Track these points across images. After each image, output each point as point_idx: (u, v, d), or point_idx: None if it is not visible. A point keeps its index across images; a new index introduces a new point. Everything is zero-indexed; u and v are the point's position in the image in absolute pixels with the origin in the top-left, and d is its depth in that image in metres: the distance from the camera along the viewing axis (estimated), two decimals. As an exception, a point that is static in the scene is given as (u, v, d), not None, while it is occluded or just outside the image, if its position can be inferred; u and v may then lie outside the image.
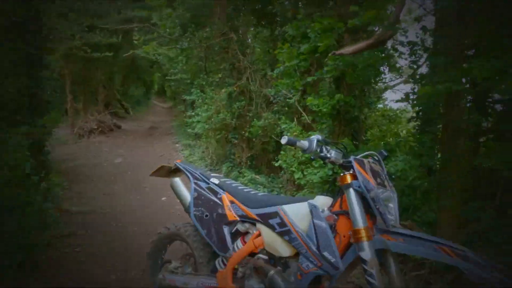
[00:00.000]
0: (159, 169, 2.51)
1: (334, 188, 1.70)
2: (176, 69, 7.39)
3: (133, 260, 3.29)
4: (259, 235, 1.87)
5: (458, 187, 3.23)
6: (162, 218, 4.49)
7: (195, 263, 2.27)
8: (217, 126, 6.02)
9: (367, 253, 1.45)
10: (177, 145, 10.03)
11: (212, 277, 2.02)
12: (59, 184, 5.39)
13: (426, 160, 3.21)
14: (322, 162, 2.20)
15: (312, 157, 1.59)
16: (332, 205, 1.67)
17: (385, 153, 1.80)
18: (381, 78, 4.17)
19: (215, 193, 2.11)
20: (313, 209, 1.63)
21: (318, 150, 1.56)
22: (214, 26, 5.86)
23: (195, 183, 2.21)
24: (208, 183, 2.18)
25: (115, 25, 8.61)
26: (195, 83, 6.79)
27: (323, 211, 1.64)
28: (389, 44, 3.54)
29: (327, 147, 1.59)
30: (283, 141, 1.54)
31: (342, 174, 1.58)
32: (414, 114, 3.44)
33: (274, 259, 1.83)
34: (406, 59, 3.01)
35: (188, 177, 2.29)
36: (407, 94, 2.72)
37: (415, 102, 2.68)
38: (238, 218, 1.98)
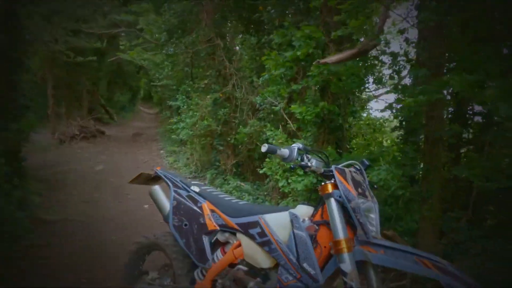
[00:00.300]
0: (138, 176, 2.43)
1: (317, 197, 1.68)
2: (162, 74, 7.31)
3: (111, 271, 3.16)
4: (239, 245, 1.82)
5: (438, 198, 3.28)
6: (144, 226, 4.37)
7: (174, 275, 2.19)
8: (202, 132, 5.96)
9: (347, 265, 1.42)
10: (162, 151, 9.88)
11: None
12: (36, 192, 5.18)
13: (409, 169, 3.25)
14: None
15: (292, 166, 1.56)
16: (313, 215, 1.64)
17: (367, 163, 1.79)
18: (365, 87, 4.22)
19: (195, 202, 2.05)
20: (293, 219, 1.59)
21: (299, 158, 1.54)
22: (200, 32, 5.84)
23: (175, 191, 2.14)
24: (189, 191, 2.12)
25: (101, 29, 8.48)
26: (180, 89, 6.72)
27: (304, 221, 1.61)
28: (375, 54, 3.61)
29: (308, 155, 1.57)
30: (263, 149, 1.51)
31: (323, 184, 1.56)
32: (398, 124, 3.48)
33: (254, 270, 1.78)
34: (389, 69, 3.05)
35: (168, 185, 2.23)
36: (390, 104, 2.75)
37: (397, 112, 2.70)
38: (218, 228, 1.92)
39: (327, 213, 1.54)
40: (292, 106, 3.58)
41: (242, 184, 5.58)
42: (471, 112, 3.69)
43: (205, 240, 1.94)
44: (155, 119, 18.84)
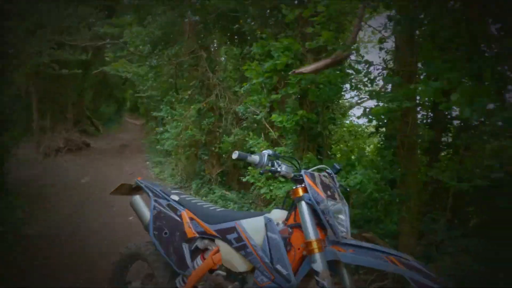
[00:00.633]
0: (119, 187, 2.47)
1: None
2: (146, 86, 7.34)
3: (96, 282, 3.14)
4: (218, 251, 1.87)
5: (416, 200, 3.40)
6: (129, 238, 4.34)
7: (156, 283, 2.21)
8: (187, 142, 5.99)
9: (318, 265, 1.49)
10: (147, 162, 9.83)
11: None
12: (18, 207, 5.10)
13: (387, 173, 3.36)
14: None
15: (261, 171, 1.63)
16: (287, 219, 1.71)
17: (338, 167, 1.88)
18: (343, 95, 4.36)
19: (175, 210, 2.10)
20: (268, 223, 1.66)
21: (269, 164, 1.61)
22: (183, 44, 5.93)
23: (155, 201, 2.19)
24: (168, 200, 2.16)
25: (85, 41, 8.47)
26: (165, 100, 6.77)
27: (278, 224, 1.68)
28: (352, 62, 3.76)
29: (278, 161, 1.65)
30: (234, 156, 1.58)
31: (294, 188, 1.64)
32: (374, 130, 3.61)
33: (232, 275, 1.82)
34: (365, 77, 3.19)
35: (148, 195, 2.27)
36: (364, 111, 2.87)
37: (371, 119, 2.83)
38: (197, 235, 1.97)
39: (299, 216, 1.61)
40: (272, 115, 3.68)
41: (227, 193, 5.62)
42: (449, 117, 3.86)
43: (185, 247, 1.98)
44: (141, 130, 18.69)
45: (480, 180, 2.10)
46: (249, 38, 6.34)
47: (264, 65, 3.81)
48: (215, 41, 7.11)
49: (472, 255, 2.41)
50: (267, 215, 1.74)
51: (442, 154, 4.13)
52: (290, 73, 2.99)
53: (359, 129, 6.52)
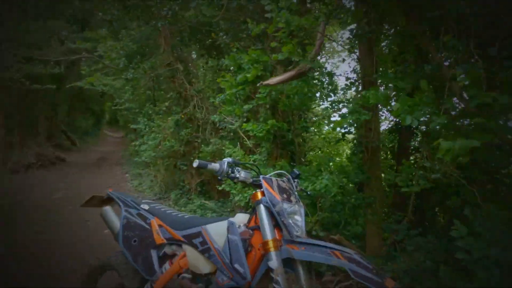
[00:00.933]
0: (90, 199, 2.50)
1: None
2: (123, 99, 7.35)
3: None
4: (184, 255, 1.95)
5: (381, 203, 3.60)
6: (103, 251, 4.29)
7: (126, 292, 2.25)
8: (165, 153, 6.03)
9: (274, 262, 1.60)
10: (127, 175, 9.71)
11: None
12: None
13: (353, 177, 3.55)
14: None
15: (219, 178, 1.74)
16: (248, 221, 1.82)
17: (297, 172, 2.03)
18: (314, 104, 4.55)
19: (145, 219, 2.16)
20: (230, 226, 1.77)
21: (230, 171, 1.73)
22: (159, 57, 6.02)
23: (125, 210, 2.25)
24: (138, 210, 2.23)
25: (58, 56, 8.38)
26: (143, 112, 6.79)
27: (239, 227, 1.78)
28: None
29: (238, 168, 1.77)
30: (195, 164, 1.68)
31: (254, 192, 1.75)
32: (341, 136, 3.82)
33: (198, 277, 1.90)
34: (327, 86, 3.39)
35: (119, 205, 2.32)
36: (329, 121, 3.05)
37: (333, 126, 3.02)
38: (165, 241, 2.05)
39: (258, 218, 1.73)
40: (244, 124, 3.81)
41: (207, 202, 5.67)
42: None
43: (153, 254, 2.05)
44: (120, 143, 18.41)
45: (423, 182, 2.29)
46: (224, 50, 6.52)
47: (237, 76, 3.96)
48: (193, 53, 7.24)
49: (424, 253, 2.60)
50: (231, 219, 1.85)
51: (411, 158, 4.40)
52: (258, 84, 3.14)
53: (335, 136, 6.77)
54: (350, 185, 3.85)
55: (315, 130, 6.02)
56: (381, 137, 3.69)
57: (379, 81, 3.12)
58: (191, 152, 6.13)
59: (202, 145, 5.80)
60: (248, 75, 3.60)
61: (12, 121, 10.22)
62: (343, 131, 3.85)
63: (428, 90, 1.99)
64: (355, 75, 3.75)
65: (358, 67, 4.24)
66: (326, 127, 7.13)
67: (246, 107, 3.93)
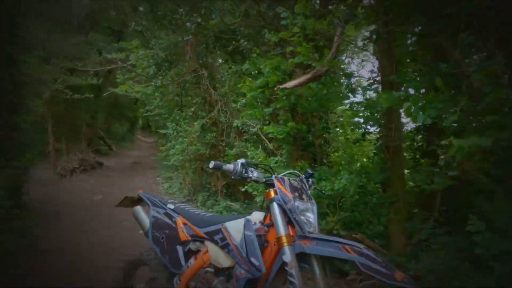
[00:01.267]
0: (123, 200, 2.75)
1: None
2: (153, 105, 7.77)
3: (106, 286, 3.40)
4: (207, 251, 2.11)
5: (404, 201, 3.56)
6: (136, 249, 4.60)
7: (158, 286, 2.45)
8: (192, 157, 6.29)
9: (288, 256, 1.71)
10: (158, 178, 10.19)
11: None
12: (36, 224, 5.46)
13: (374, 177, 3.55)
14: None
15: (232, 177, 1.87)
16: (264, 219, 1.94)
17: (311, 172, 2.12)
18: (334, 105, 4.57)
19: (171, 217, 2.36)
20: (246, 223, 1.90)
21: (243, 171, 1.86)
22: (185, 64, 6.32)
23: (154, 210, 2.46)
24: (165, 209, 2.43)
25: (96, 66, 9.04)
26: (171, 117, 7.14)
27: (255, 224, 1.91)
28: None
29: (252, 168, 1.89)
30: (210, 165, 1.83)
31: (267, 191, 1.87)
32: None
33: (219, 271, 2.05)
34: (346, 88, 3.43)
35: (148, 205, 2.54)
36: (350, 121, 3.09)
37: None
38: (190, 238, 2.22)
39: (272, 215, 1.84)
40: (264, 127, 3.94)
41: (232, 204, 5.85)
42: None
43: (179, 249, 2.23)
44: (153, 148, 19.20)
45: (440, 180, 2.27)
46: (246, 55, 6.70)
47: (257, 81, 4.11)
48: (219, 59, 7.50)
49: (450, 251, 2.57)
50: (247, 217, 1.98)
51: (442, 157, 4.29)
52: (275, 88, 3.26)
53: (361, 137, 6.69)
54: (373, 184, 3.84)
55: (340, 131, 6.01)
56: (403, 135, 3.65)
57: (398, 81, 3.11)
58: (217, 155, 6.35)
59: (226, 148, 6.00)
60: (269, 80, 3.73)
61: (59, 129, 11.14)
62: (361, 131, 3.86)
63: (443, 87, 2.00)
64: (375, 75, 3.75)
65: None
66: (352, 128, 7.10)
67: (266, 110, 4.06)
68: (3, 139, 3.94)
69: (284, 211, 1.81)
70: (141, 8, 7.28)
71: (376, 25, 3.21)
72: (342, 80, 3.40)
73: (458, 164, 2.10)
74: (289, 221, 1.82)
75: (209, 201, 6.27)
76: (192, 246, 2.21)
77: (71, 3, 9.09)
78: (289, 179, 1.92)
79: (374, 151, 4.58)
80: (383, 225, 3.46)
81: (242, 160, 1.87)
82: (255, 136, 5.51)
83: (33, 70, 6.12)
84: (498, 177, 1.98)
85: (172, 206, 2.42)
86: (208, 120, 6.30)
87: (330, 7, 4.73)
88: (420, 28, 2.70)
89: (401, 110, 2.88)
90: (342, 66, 6.51)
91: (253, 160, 4.53)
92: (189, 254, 2.23)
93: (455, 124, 1.98)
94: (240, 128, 5.56)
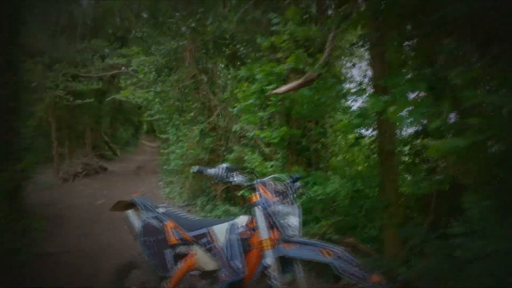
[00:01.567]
0: (117, 203, 2.80)
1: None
2: (153, 110, 7.88)
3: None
4: (195, 254, 2.14)
5: (398, 206, 3.55)
6: (137, 251, 4.67)
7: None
8: (191, 161, 6.34)
9: (269, 259, 1.74)
10: (160, 183, 10.27)
11: None
12: (38, 228, 5.55)
13: (367, 181, 3.56)
14: None
15: (214, 182, 1.91)
16: (249, 223, 1.97)
17: (296, 176, 2.15)
18: (328, 112, 4.59)
19: (161, 221, 2.40)
20: (230, 227, 1.93)
21: (226, 176, 1.89)
22: (184, 70, 6.41)
23: (144, 214, 2.50)
24: (155, 213, 2.47)
25: (98, 72, 9.20)
26: (171, 122, 7.22)
27: (241, 227, 1.94)
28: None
29: (236, 173, 1.93)
30: (193, 170, 1.87)
31: (251, 195, 1.91)
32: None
33: (206, 274, 2.08)
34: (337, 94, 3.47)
35: (140, 209, 2.59)
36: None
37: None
38: (179, 241, 2.26)
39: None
40: (257, 132, 3.98)
41: (231, 208, 5.87)
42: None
43: (168, 253, 2.27)
44: (157, 152, 19.31)
45: (427, 184, 2.28)
46: (245, 61, 6.76)
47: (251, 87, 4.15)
48: (221, 64, 7.59)
49: (441, 255, 2.56)
50: (233, 220, 2.01)
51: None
52: (267, 93, 3.30)
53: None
54: (369, 189, 3.84)
55: (340, 136, 6.01)
56: (398, 140, 3.66)
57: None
58: (216, 160, 6.38)
59: (225, 153, 6.04)
60: (263, 85, 3.77)
61: (62, 134, 11.32)
62: (354, 135, 3.88)
63: (427, 92, 2.02)
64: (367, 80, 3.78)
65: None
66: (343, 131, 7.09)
67: (260, 114, 4.10)
68: (2, 143, 4.03)
69: (268, 215, 1.84)
70: (144, 15, 7.44)
71: (367, 29, 3.24)
72: (342, 85, 3.42)
73: (443, 168, 2.11)
74: (273, 225, 1.85)
75: (208, 205, 6.31)
76: (181, 249, 2.25)
77: (74, 9, 9.33)
78: (273, 183, 1.95)
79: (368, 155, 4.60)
80: (377, 229, 3.46)
81: (226, 164, 1.91)
82: (253, 141, 5.55)
83: (33, 75, 6.25)
84: (482, 180, 1.98)
85: (162, 210, 2.46)
86: (207, 125, 6.36)
87: (329, 11, 4.78)
88: (408, 33, 2.73)
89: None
90: (344, 71, 6.57)
91: (249, 165, 4.57)
92: (178, 257, 2.26)
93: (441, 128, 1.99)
94: (239, 133, 5.61)
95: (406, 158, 4.56)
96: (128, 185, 10.41)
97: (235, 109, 4.70)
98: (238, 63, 6.96)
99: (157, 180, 11.04)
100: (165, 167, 7.75)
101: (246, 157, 4.62)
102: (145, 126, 24.97)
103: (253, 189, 1.93)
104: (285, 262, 1.79)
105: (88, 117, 12.56)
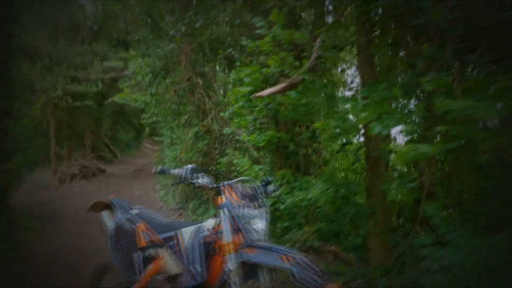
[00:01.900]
0: (94, 205, 2.77)
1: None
2: (149, 113, 7.89)
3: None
4: (163, 257, 2.10)
5: (384, 213, 3.48)
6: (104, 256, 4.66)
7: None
8: (185, 164, 6.30)
9: (231, 264, 1.69)
10: (157, 186, 10.25)
11: None
12: (26, 227, 5.56)
13: (353, 188, 3.49)
14: None
15: (177, 182, 1.87)
16: (216, 226, 1.93)
17: (268, 179, 2.11)
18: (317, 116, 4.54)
19: (133, 223, 2.36)
20: (195, 230, 1.89)
21: (190, 177, 1.86)
22: (180, 73, 6.42)
23: (118, 215, 2.46)
24: (129, 214, 2.44)
25: (97, 74, 9.27)
26: (166, 125, 7.21)
27: (207, 231, 1.90)
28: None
29: (202, 174, 1.89)
30: (156, 170, 1.84)
31: (217, 197, 1.87)
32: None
33: (172, 277, 2.04)
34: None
35: (115, 210, 2.55)
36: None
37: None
38: (149, 243, 2.21)
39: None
40: (243, 135, 3.94)
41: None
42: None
43: (137, 255, 2.22)
44: (158, 155, 19.30)
45: (399, 192, 2.23)
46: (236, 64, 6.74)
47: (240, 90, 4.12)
48: (217, 67, 7.59)
49: (427, 264, 2.49)
50: (200, 223, 1.97)
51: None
52: (251, 96, 3.27)
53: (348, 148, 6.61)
54: (356, 195, 3.78)
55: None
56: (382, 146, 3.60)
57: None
58: (209, 163, 6.35)
59: (218, 156, 6.01)
60: (251, 89, 3.74)
61: (61, 135, 11.38)
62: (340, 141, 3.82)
63: (402, 98, 1.98)
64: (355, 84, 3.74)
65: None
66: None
67: (248, 118, 4.07)
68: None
69: (233, 218, 1.80)
70: (141, 18, 7.50)
71: (355, 34, 3.21)
72: (335, 90, 3.39)
73: (415, 177, 2.05)
74: (239, 229, 1.80)
75: (200, 208, 6.27)
76: (152, 252, 2.20)
77: (76, 11, 9.44)
78: (241, 186, 1.91)
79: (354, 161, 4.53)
80: (362, 237, 3.39)
81: (192, 165, 1.88)
82: (244, 145, 5.51)
83: (31, 75, 6.31)
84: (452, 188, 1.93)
85: (136, 212, 2.43)
86: (201, 128, 6.34)
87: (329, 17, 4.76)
88: (392, 38, 2.69)
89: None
90: (344, 77, 6.52)
91: (239, 168, 4.53)
92: (147, 260, 2.22)
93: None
94: (231, 136, 5.58)
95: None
96: (124, 187, 10.42)
97: (227, 113, 4.68)
98: (234, 67, 6.97)
99: (153, 183, 11.04)
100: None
101: (235, 161, 4.58)
102: (147, 129, 25.06)
103: (219, 191, 1.89)
104: (252, 268, 1.74)
105: (88, 119, 12.62)
